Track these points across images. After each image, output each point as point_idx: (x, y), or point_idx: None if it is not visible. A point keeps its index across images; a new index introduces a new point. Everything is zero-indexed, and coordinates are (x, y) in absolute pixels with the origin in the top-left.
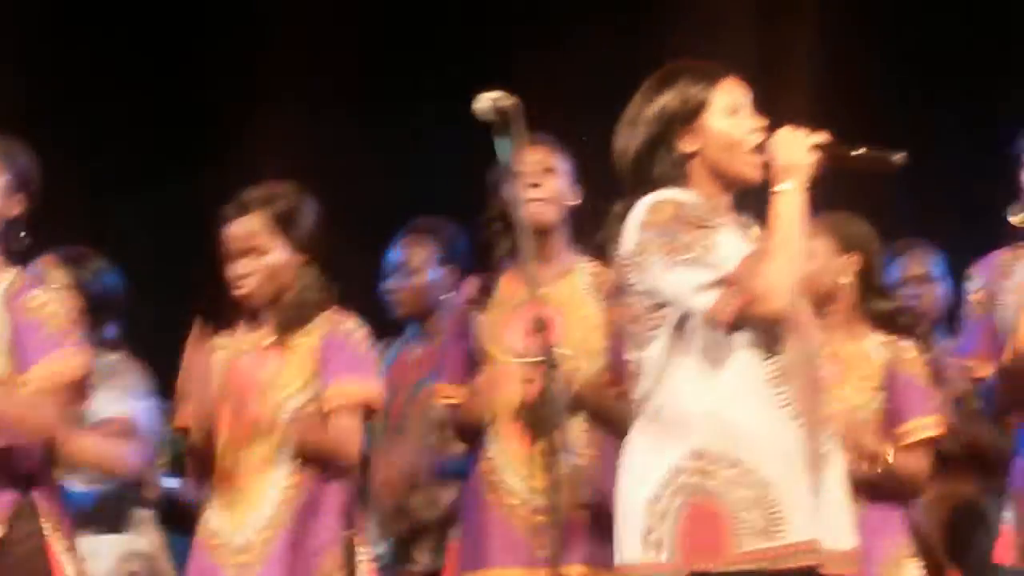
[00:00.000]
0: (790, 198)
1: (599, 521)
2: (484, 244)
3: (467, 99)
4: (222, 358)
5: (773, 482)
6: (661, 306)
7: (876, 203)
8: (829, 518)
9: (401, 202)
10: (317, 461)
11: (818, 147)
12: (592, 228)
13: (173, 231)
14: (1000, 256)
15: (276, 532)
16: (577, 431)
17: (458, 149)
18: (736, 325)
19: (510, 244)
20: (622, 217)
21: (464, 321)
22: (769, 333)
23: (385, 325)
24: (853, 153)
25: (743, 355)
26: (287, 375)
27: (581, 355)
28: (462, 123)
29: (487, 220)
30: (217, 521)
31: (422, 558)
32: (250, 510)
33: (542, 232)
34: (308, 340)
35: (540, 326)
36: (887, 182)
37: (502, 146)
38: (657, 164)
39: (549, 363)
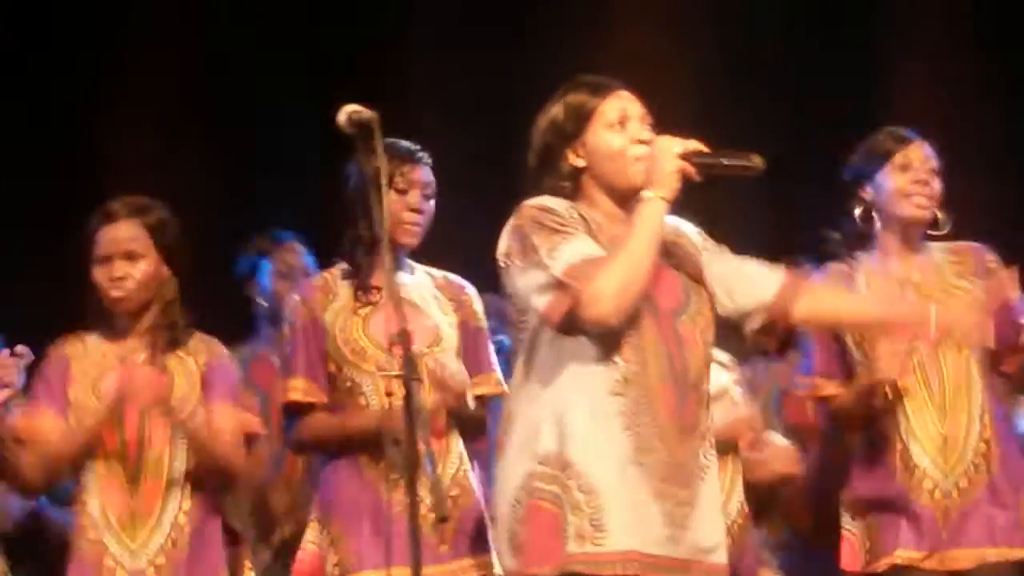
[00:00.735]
0: (647, 206)
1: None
2: (345, 253)
3: (329, 111)
4: (83, 368)
5: (599, 489)
6: (524, 311)
7: None
8: (699, 532)
9: (260, 214)
10: (220, 481)
11: (683, 156)
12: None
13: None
14: (837, 269)
15: (174, 556)
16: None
17: (319, 161)
18: (565, 327)
19: (368, 255)
20: None
21: (315, 319)
22: (609, 339)
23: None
24: (715, 160)
25: (587, 361)
26: (178, 394)
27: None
28: (322, 135)
29: (348, 231)
30: (112, 543)
31: None
32: (148, 533)
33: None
34: (189, 361)
35: (402, 339)
36: None
37: (363, 158)
38: (547, 177)
39: (410, 376)
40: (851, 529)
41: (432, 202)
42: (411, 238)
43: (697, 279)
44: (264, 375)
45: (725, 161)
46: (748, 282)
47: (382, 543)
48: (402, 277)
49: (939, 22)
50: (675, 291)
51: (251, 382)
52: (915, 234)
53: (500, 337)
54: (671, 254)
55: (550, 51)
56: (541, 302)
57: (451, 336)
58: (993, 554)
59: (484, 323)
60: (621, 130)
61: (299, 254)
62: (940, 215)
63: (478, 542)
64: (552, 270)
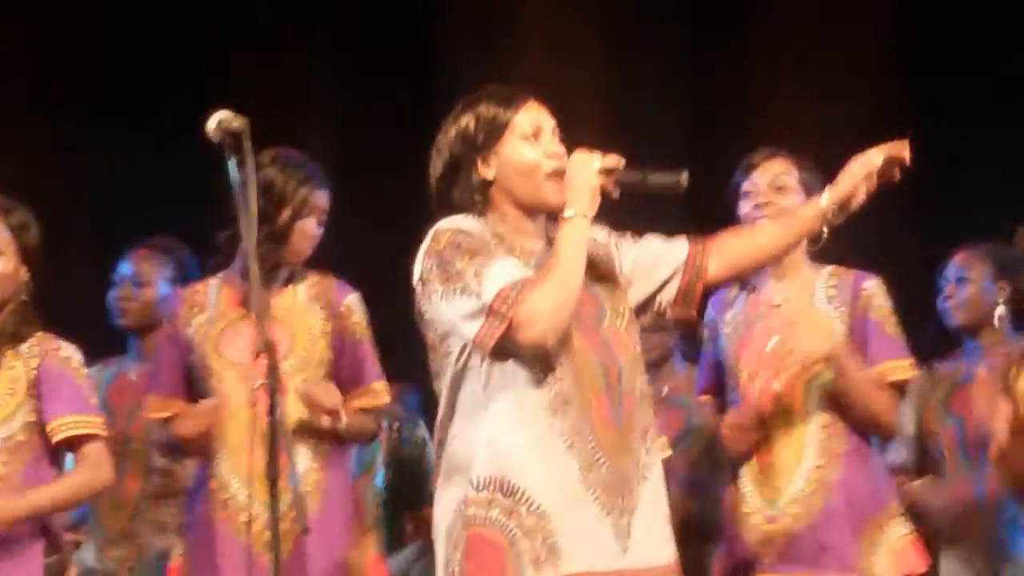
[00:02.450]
0: (570, 224)
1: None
2: (213, 260)
3: (198, 118)
4: None
5: (549, 512)
6: (447, 336)
7: None
8: (644, 535)
9: (131, 219)
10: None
11: (605, 171)
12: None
13: None
14: (727, 290)
15: None
16: (303, 454)
17: (188, 169)
18: (500, 352)
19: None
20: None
21: (177, 333)
22: (541, 360)
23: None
24: (638, 177)
25: (521, 384)
26: None
27: (306, 366)
28: (193, 142)
29: (218, 237)
30: None
31: None
32: None
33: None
34: (20, 365)
35: (266, 349)
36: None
37: (232, 166)
38: (456, 190)
39: (274, 387)
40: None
41: (322, 228)
42: (296, 258)
43: (608, 280)
44: (121, 394)
45: (647, 177)
46: (659, 254)
47: (241, 558)
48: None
49: (824, 42)
50: (590, 297)
51: (108, 401)
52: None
53: None
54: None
55: (440, 66)
56: (471, 329)
57: (313, 348)
58: None
59: (364, 334)
60: (535, 143)
61: (154, 263)
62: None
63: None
64: (482, 297)
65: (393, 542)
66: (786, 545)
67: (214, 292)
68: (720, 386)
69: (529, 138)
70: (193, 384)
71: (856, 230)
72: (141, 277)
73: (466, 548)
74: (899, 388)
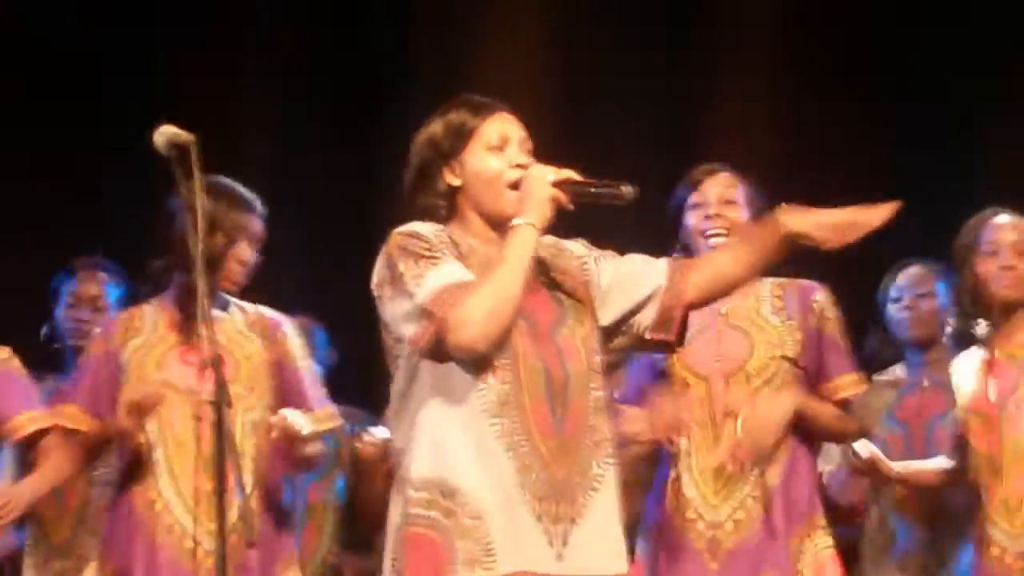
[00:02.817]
0: (517, 233)
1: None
2: (146, 287)
3: (145, 133)
4: None
5: (486, 513)
6: (399, 339)
7: None
8: (588, 545)
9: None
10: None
11: (558, 183)
12: None
13: None
14: None
15: None
16: (248, 469)
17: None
18: (433, 355)
19: (180, 280)
20: None
21: (113, 355)
22: (481, 363)
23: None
24: (586, 189)
25: (461, 386)
26: None
27: (250, 393)
28: (138, 157)
29: (151, 264)
30: None
31: None
32: None
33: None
34: None
35: (213, 364)
36: None
37: (179, 181)
38: (422, 195)
39: (221, 402)
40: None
41: (256, 253)
42: (231, 285)
43: (577, 293)
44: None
45: (594, 190)
46: (639, 274)
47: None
48: (214, 313)
49: (774, 55)
50: (551, 305)
51: None
52: None
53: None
54: (549, 270)
55: (392, 79)
56: (409, 330)
57: (257, 376)
58: None
59: (303, 360)
60: (500, 153)
61: (95, 283)
62: None
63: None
64: (416, 298)
65: (354, 544)
66: (730, 553)
67: (150, 317)
68: (646, 392)
69: (494, 148)
70: (113, 407)
71: None
72: (101, 301)
73: (406, 546)
74: (850, 401)
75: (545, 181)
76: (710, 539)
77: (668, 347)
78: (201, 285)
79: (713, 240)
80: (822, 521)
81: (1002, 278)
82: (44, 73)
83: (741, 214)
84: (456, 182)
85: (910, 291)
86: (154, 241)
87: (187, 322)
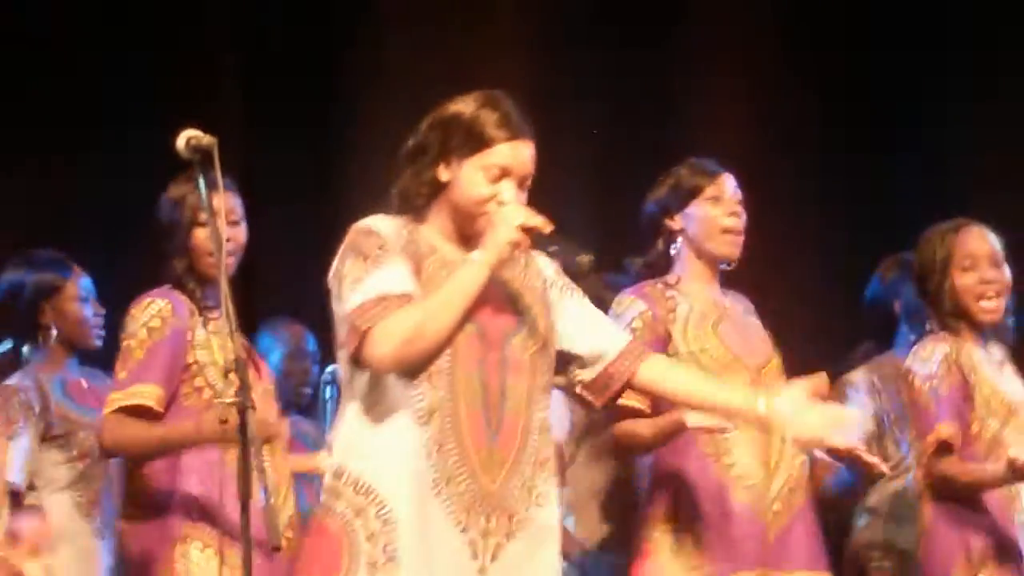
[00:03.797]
0: (471, 268)
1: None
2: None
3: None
4: None
5: (397, 520)
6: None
7: None
8: (522, 561)
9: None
10: None
11: (524, 229)
12: None
13: None
14: (653, 290)
15: None
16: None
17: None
18: (356, 360)
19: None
20: None
21: (182, 336)
22: (416, 371)
23: None
24: (552, 242)
25: (397, 389)
26: None
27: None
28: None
29: (171, 260)
30: None
31: None
32: None
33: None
34: None
35: (237, 367)
36: None
37: (200, 184)
38: (408, 176)
39: (245, 405)
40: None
41: (240, 229)
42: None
43: (536, 307)
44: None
45: (554, 248)
46: (600, 328)
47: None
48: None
49: (748, 50)
50: (506, 316)
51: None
52: (718, 267)
53: (336, 365)
54: (512, 279)
55: (386, 80)
56: (341, 331)
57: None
58: None
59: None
60: (494, 181)
61: (83, 278)
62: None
63: None
64: (347, 304)
65: None
66: (775, 540)
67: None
68: None
69: (494, 174)
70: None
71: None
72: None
73: (311, 533)
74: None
75: (512, 225)
76: (759, 527)
77: (590, 407)
78: (224, 286)
79: (733, 239)
80: None
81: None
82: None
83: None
84: (445, 178)
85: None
86: (162, 241)
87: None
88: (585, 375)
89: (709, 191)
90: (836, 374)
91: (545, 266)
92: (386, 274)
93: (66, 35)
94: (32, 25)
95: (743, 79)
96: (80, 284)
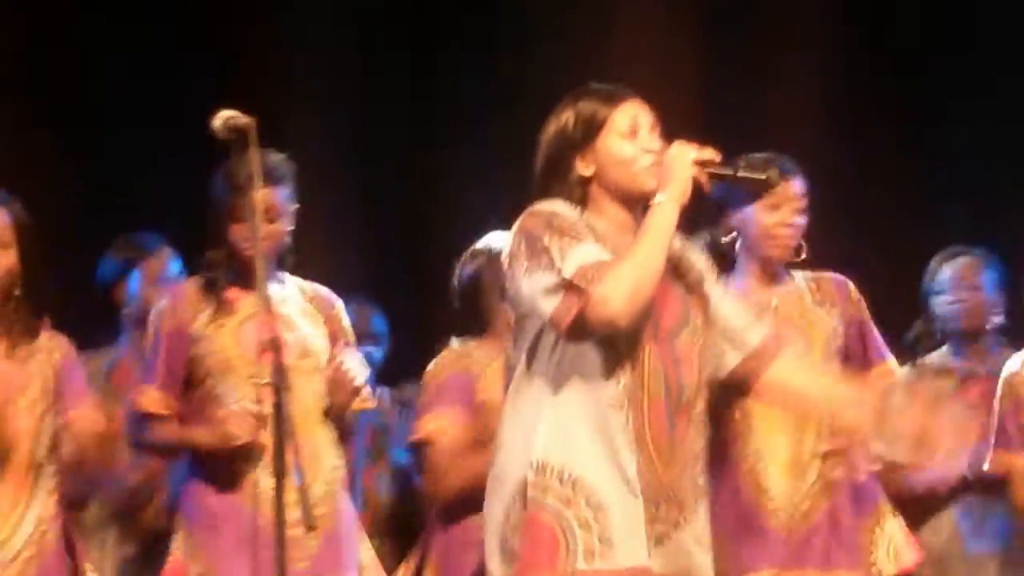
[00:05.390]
0: (659, 210)
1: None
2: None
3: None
4: None
5: (607, 505)
6: (526, 315)
7: None
8: (691, 550)
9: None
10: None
11: (700, 163)
12: None
13: None
14: None
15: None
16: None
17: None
18: (573, 332)
19: (227, 265)
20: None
21: (183, 330)
22: (611, 351)
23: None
24: (730, 171)
25: (589, 375)
26: (32, 390)
27: (302, 373)
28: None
29: (210, 240)
30: None
31: None
32: (12, 527)
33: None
34: (41, 359)
35: (273, 347)
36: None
37: (239, 163)
38: (556, 184)
39: (280, 384)
40: None
41: (282, 223)
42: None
43: (697, 297)
44: (124, 381)
45: (739, 173)
46: (742, 323)
47: (247, 554)
48: (273, 289)
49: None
50: (675, 307)
51: (112, 388)
52: (777, 265)
53: (368, 349)
54: (674, 267)
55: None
56: (548, 305)
57: (322, 349)
58: None
59: (352, 337)
60: (632, 139)
61: (168, 260)
62: (801, 244)
63: (338, 565)
64: (563, 272)
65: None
66: (800, 541)
67: (203, 292)
68: None
69: (626, 135)
70: (187, 383)
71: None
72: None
73: (523, 530)
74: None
75: (687, 160)
76: (788, 529)
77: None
78: (260, 268)
79: (782, 243)
80: (888, 507)
81: None
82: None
83: (803, 222)
84: (589, 171)
85: (958, 283)
86: (206, 224)
87: (228, 303)
88: (729, 366)
89: (773, 196)
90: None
91: (697, 259)
92: (589, 246)
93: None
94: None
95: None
96: (160, 266)
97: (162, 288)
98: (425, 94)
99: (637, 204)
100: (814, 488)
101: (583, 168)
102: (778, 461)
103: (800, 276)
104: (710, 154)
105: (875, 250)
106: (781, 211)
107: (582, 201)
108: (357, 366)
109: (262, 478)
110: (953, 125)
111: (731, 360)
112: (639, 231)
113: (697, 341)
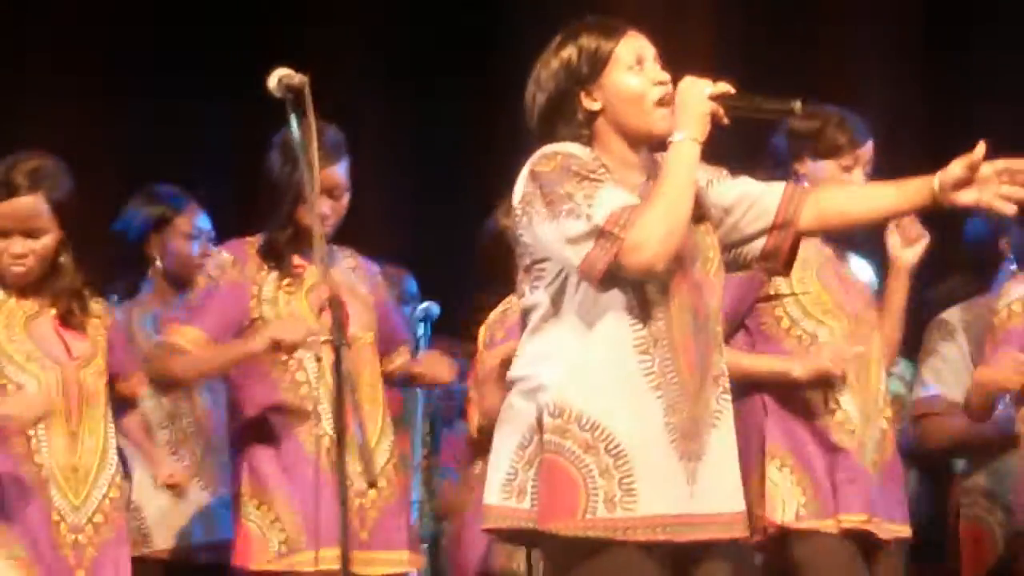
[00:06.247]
0: (680, 148)
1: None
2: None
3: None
4: None
5: (629, 452)
6: (543, 260)
7: None
8: (712, 482)
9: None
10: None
11: (716, 97)
12: None
13: None
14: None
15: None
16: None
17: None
18: (609, 278)
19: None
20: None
21: (244, 286)
22: (639, 295)
23: None
24: (750, 102)
25: (613, 317)
26: (87, 353)
27: (367, 330)
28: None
29: (274, 214)
30: (57, 498)
31: None
32: (88, 489)
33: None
34: (92, 323)
35: (333, 305)
36: None
37: (293, 123)
38: (561, 123)
39: (340, 343)
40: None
41: (345, 198)
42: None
43: (704, 221)
44: None
45: (760, 103)
46: (756, 204)
47: (317, 519)
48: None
49: None
50: (689, 238)
51: None
52: None
53: (428, 304)
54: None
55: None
56: (576, 253)
57: (373, 319)
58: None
59: (391, 298)
60: (639, 71)
61: (198, 215)
62: None
63: (394, 538)
64: (594, 219)
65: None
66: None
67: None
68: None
69: (633, 67)
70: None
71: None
72: (207, 232)
73: (540, 473)
74: None
75: (702, 95)
76: (865, 467)
77: (774, 272)
78: (316, 226)
79: None
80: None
81: None
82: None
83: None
84: (596, 106)
85: None
86: (263, 200)
87: (294, 268)
88: (755, 250)
89: (845, 159)
90: (926, 312)
91: (699, 177)
92: (612, 189)
93: None
94: None
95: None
96: (193, 221)
97: (195, 244)
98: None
99: (644, 141)
100: (876, 443)
101: (590, 104)
102: (852, 411)
103: None
104: (724, 87)
105: None
106: (853, 173)
107: (589, 137)
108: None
109: (311, 438)
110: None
111: (758, 237)
112: (661, 172)
113: (711, 267)
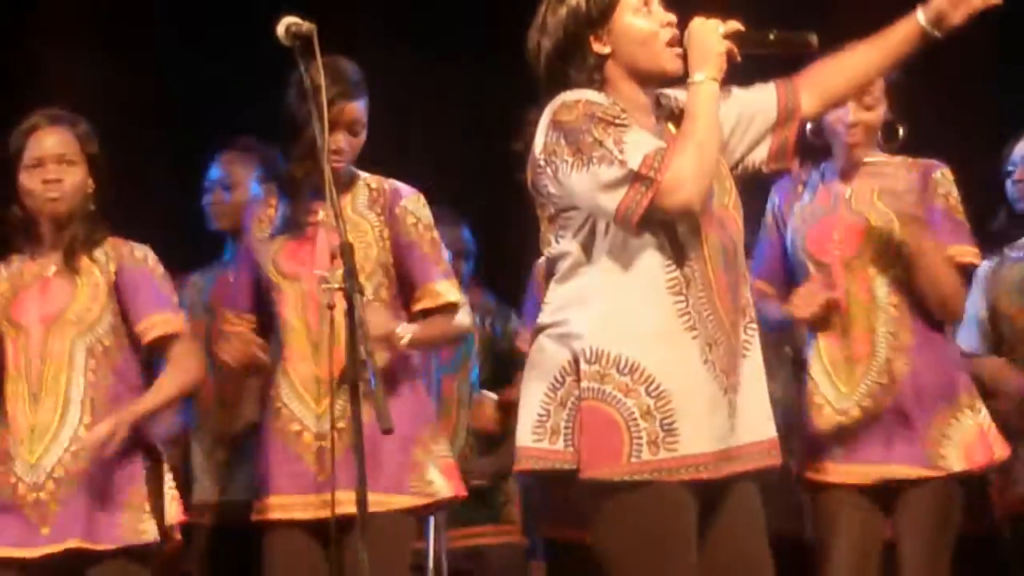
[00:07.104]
0: (702, 89)
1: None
2: (287, 172)
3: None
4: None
5: (668, 392)
6: (570, 207)
7: None
8: (746, 412)
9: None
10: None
11: (730, 35)
12: None
13: None
14: (794, 180)
15: (74, 468)
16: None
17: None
18: (645, 222)
19: (305, 169)
20: (537, 123)
21: (249, 248)
22: (672, 239)
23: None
24: (764, 37)
25: (645, 261)
26: (78, 307)
27: (359, 273)
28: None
29: (291, 148)
30: (16, 459)
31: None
32: (45, 447)
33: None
34: (98, 270)
35: (343, 251)
36: None
37: (301, 70)
38: (572, 69)
39: (352, 289)
40: None
41: (362, 134)
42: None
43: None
44: (219, 295)
45: (774, 39)
46: (753, 113)
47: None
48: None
49: None
50: None
51: (212, 304)
52: (855, 154)
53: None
54: None
55: None
56: (612, 199)
57: (372, 255)
58: (884, 471)
59: (418, 233)
60: (647, 13)
61: (242, 165)
62: (898, 127)
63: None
64: (628, 163)
65: (488, 438)
66: (856, 437)
67: (275, 202)
68: (778, 273)
69: (640, 9)
70: (261, 299)
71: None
72: (230, 180)
73: (580, 420)
74: (964, 273)
75: (716, 34)
76: (836, 424)
77: (782, 168)
78: (327, 172)
79: (852, 134)
80: (969, 400)
81: None
82: None
83: (878, 115)
84: (606, 50)
85: (1018, 161)
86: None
87: (309, 214)
88: (761, 155)
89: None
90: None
91: None
92: (639, 133)
93: None
94: None
95: None
96: (208, 174)
97: (256, 192)
98: None
99: (655, 82)
100: (874, 385)
101: (599, 47)
102: (830, 360)
103: (891, 163)
104: (735, 25)
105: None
106: (876, 111)
107: (600, 82)
108: (377, 315)
109: (280, 393)
110: None
111: (762, 140)
112: (687, 113)
113: (728, 200)
